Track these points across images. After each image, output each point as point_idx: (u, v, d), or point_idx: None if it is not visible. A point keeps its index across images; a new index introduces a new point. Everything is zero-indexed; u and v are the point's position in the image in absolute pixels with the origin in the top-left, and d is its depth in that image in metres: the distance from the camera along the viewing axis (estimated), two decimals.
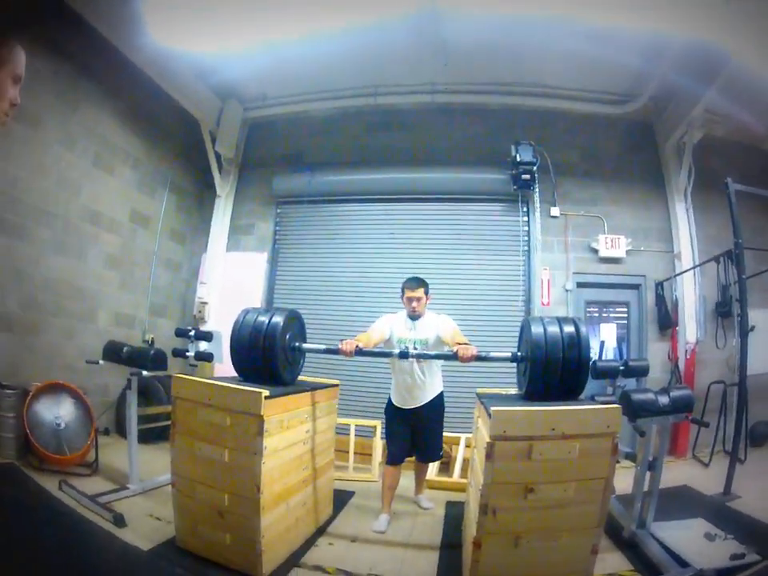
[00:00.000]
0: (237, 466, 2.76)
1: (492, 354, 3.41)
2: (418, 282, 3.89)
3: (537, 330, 2.92)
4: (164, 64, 5.50)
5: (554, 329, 2.90)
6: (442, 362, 3.93)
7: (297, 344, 3.52)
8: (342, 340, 3.46)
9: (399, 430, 3.96)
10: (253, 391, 2.73)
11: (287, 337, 3.40)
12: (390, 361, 3.97)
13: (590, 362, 2.99)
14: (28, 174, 4.78)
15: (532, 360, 2.90)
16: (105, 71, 5.51)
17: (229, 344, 3.35)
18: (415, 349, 3.73)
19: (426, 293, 3.90)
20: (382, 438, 5.15)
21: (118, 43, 5.00)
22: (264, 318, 3.29)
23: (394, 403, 3.99)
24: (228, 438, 2.79)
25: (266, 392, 2.73)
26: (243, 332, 3.28)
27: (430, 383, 3.88)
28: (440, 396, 4.00)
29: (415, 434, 3.96)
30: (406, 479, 4.21)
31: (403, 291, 3.91)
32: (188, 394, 2.97)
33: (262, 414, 2.68)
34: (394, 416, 4.00)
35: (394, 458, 3.94)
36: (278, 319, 3.28)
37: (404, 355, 3.51)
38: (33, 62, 4.48)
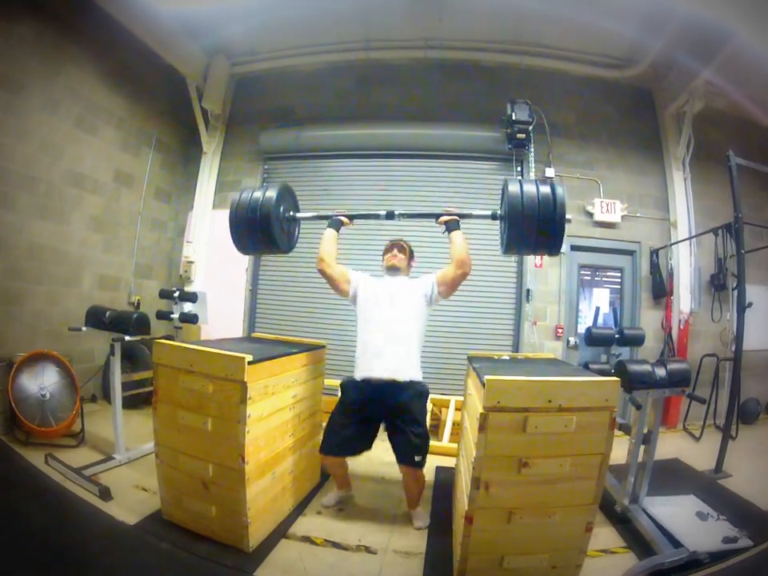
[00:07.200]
0: (220, 435, 2.68)
1: (473, 212, 3.50)
2: (401, 240, 3.61)
3: (514, 188, 2.98)
4: (148, 20, 5.35)
5: (530, 187, 2.95)
6: (422, 333, 3.32)
7: (291, 213, 3.62)
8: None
9: (348, 412, 3.21)
10: (235, 356, 2.63)
11: (281, 208, 3.50)
12: (357, 321, 3.40)
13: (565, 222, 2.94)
14: (10, 140, 4.70)
15: (510, 215, 2.97)
16: (88, 30, 5.35)
17: (228, 224, 3.45)
18: (392, 303, 3.22)
19: (411, 256, 3.57)
20: None
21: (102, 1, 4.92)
22: (258, 194, 3.39)
23: (357, 377, 3.21)
24: (211, 405, 2.69)
25: (249, 357, 2.62)
26: (241, 208, 3.40)
27: (406, 349, 3.16)
28: (420, 385, 3.22)
29: (389, 421, 3.17)
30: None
31: (384, 251, 3.58)
32: (169, 360, 2.86)
33: (245, 380, 2.59)
34: (350, 392, 3.25)
35: (329, 447, 3.25)
36: (272, 193, 3.38)
37: (390, 216, 3.47)
38: (16, 28, 4.60)
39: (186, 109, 6.66)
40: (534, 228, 2.91)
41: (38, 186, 5.01)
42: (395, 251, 3.48)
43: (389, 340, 3.16)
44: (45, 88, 4.98)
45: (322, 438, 3.32)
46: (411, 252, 3.59)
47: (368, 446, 3.25)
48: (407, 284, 3.38)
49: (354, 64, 6.67)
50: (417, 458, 3.09)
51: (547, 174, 6.14)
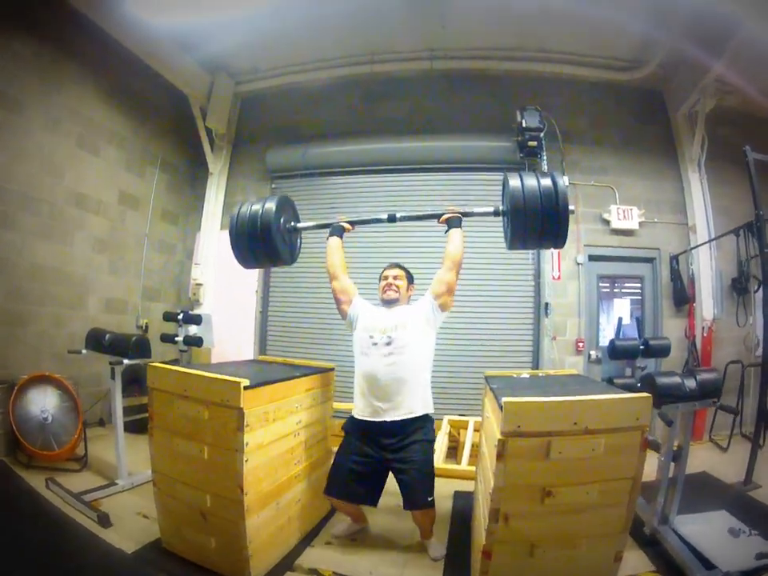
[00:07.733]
0: (217, 465, 2.52)
1: (475, 210, 3.38)
2: (397, 265, 3.38)
3: (514, 183, 2.89)
4: (148, 39, 5.32)
5: (531, 181, 2.87)
6: (427, 362, 3.11)
7: (292, 224, 3.55)
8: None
9: (350, 452, 3.01)
10: (230, 381, 2.47)
11: (282, 220, 3.43)
12: (354, 352, 3.21)
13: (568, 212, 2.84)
14: (9, 159, 4.65)
15: (512, 209, 2.90)
16: (87, 50, 5.34)
17: (229, 238, 3.40)
18: (389, 340, 2.98)
19: (409, 280, 3.34)
20: None
21: (99, 20, 4.88)
22: (258, 206, 3.32)
23: (355, 415, 3.06)
24: (206, 433, 2.54)
25: (245, 381, 2.46)
26: (240, 222, 3.34)
27: (405, 386, 2.93)
28: (426, 419, 3.02)
29: (391, 465, 2.96)
30: None
31: (380, 279, 3.36)
32: (164, 384, 2.74)
33: (241, 406, 2.43)
34: (350, 433, 3.09)
35: (330, 489, 3.05)
36: (271, 205, 3.31)
37: (392, 219, 3.39)
38: (11, 45, 4.50)
39: (191, 129, 6.62)
40: (537, 220, 2.83)
41: (39, 207, 4.94)
42: (390, 279, 3.26)
43: (385, 382, 2.93)
44: (44, 106, 4.94)
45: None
46: (410, 276, 3.38)
47: (372, 496, 3.03)
48: (405, 315, 3.10)
49: (359, 78, 6.59)
50: (425, 500, 2.88)
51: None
